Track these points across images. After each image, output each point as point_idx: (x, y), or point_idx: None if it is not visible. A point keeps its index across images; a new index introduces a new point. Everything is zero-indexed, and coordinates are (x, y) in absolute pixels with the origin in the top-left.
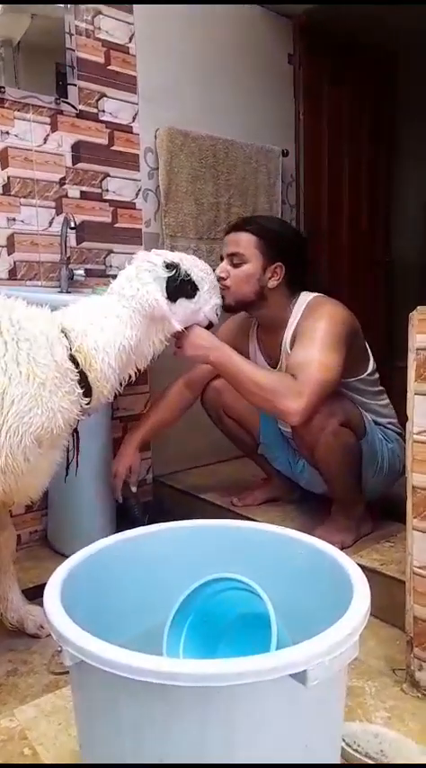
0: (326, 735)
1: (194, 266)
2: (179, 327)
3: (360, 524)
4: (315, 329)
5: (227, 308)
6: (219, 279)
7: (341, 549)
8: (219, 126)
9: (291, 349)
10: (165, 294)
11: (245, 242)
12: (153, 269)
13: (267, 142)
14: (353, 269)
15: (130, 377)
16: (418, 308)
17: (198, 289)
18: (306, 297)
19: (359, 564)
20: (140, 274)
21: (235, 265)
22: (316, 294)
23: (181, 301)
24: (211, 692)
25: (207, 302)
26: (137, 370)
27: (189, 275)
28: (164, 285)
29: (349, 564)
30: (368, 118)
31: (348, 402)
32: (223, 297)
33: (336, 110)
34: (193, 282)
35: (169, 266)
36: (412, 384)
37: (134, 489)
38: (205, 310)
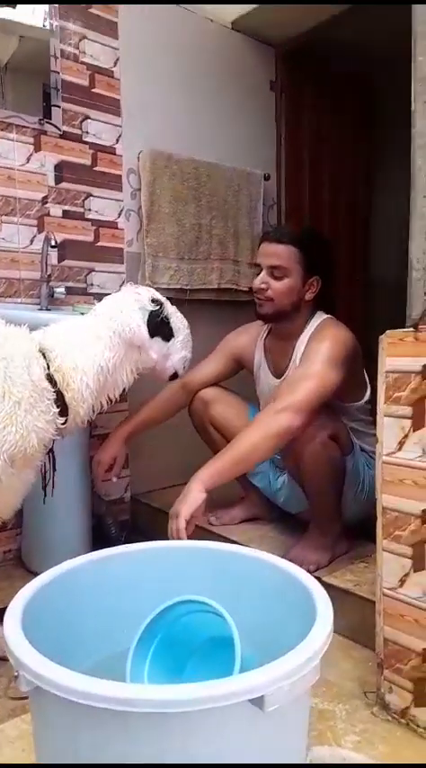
0: (288, 760)
1: (175, 314)
2: (155, 357)
3: (336, 544)
4: (318, 350)
5: (264, 318)
6: (259, 290)
7: (317, 569)
8: (202, 149)
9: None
10: (146, 326)
11: (287, 255)
12: (139, 299)
13: (249, 165)
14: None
15: (102, 405)
16: (387, 331)
17: (173, 336)
18: (320, 316)
19: (332, 584)
20: (126, 300)
21: (277, 278)
22: (328, 316)
23: (157, 340)
24: (169, 718)
25: (178, 351)
26: (109, 399)
27: (168, 319)
28: (147, 318)
29: (314, 587)
30: (349, 143)
31: (338, 418)
32: (261, 306)
33: (317, 135)
34: (171, 328)
35: (154, 301)
36: (381, 406)
37: (114, 480)
38: (174, 359)
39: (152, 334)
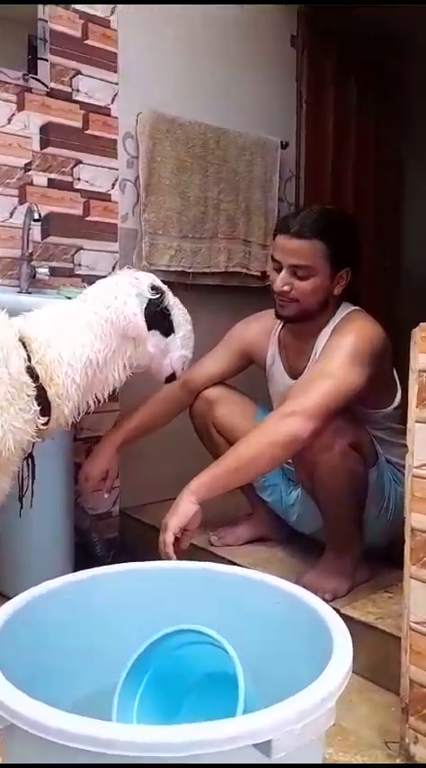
0: None
1: (177, 306)
2: (152, 351)
3: (357, 570)
4: (339, 345)
5: (288, 320)
6: (282, 293)
7: (333, 598)
8: (210, 112)
9: None
10: (143, 316)
11: (312, 252)
12: (136, 284)
13: (264, 132)
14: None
15: (89, 405)
16: (421, 323)
17: (173, 331)
18: (345, 308)
19: (351, 617)
20: (122, 285)
21: (301, 278)
22: (355, 308)
23: (155, 333)
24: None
25: (177, 349)
26: (97, 398)
27: (170, 312)
28: (145, 306)
29: (331, 617)
30: (378, 108)
31: (360, 424)
32: (283, 307)
33: (342, 99)
34: (171, 322)
35: (154, 289)
36: (413, 410)
37: (106, 496)
38: (172, 357)
39: (149, 327)
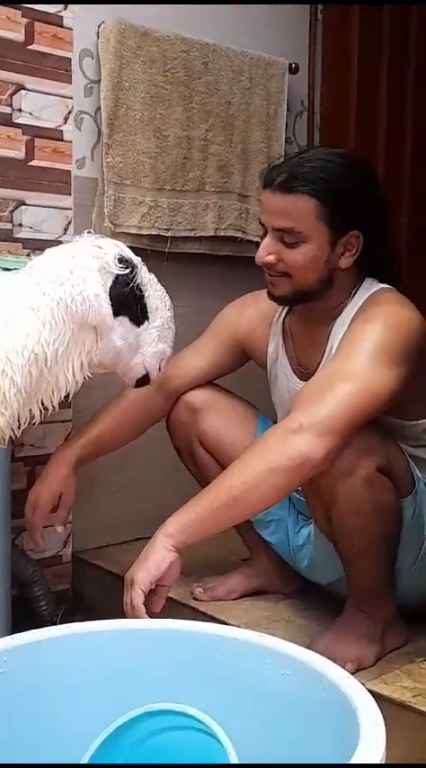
0: None
1: (152, 285)
2: (119, 344)
3: (387, 633)
4: (363, 336)
5: (281, 301)
6: (267, 264)
7: (358, 670)
8: (196, 23)
9: None
10: (108, 297)
11: (300, 210)
12: (99, 254)
13: (267, 51)
14: (407, 244)
15: (34, 415)
16: None
17: (147, 318)
18: (369, 286)
19: (381, 694)
20: (80, 257)
21: (289, 245)
22: (384, 286)
23: (123, 321)
24: None
25: (152, 342)
26: (43, 407)
27: (143, 293)
28: (110, 285)
29: (357, 693)
30: (423, 14)
31: (391, 441)
32: (274, 284)
33: (371, 6)
34: (145, 306)
35: (123, 262)
36: None
37: (59, 529)
38: (146, 353)
39: (116, 312)
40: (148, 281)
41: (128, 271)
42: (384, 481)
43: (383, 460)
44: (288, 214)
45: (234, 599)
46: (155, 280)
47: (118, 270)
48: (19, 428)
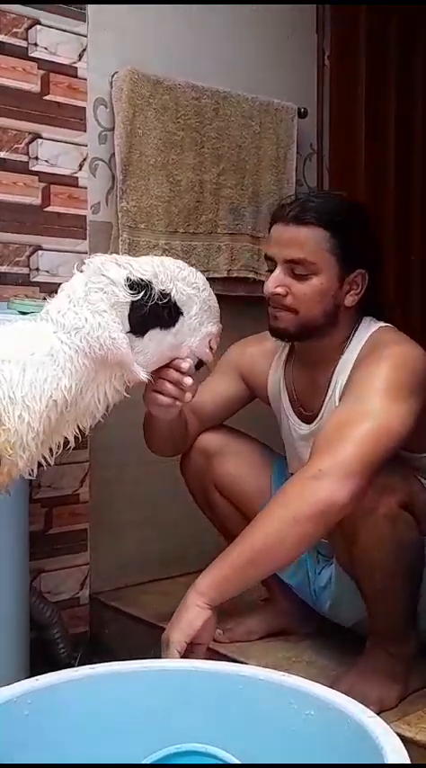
0: None
1: (177, 279)
2: (144, 377)
3: (410, 673)
4: (372, 377)
5: (282, 336)
6: (274, 296)
7: (381, 711)
8: (206, 71)
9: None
10: (128, 326)
11: (313, 241)
12: (109, 289)
13: (276, 97)
14: (406, 281)
15: (68, 441)
16: None
17: (181, 313)
18: (368, 326)
19: (405, 736)
20: (91, 296)
21: (299, 277)
22: (383, 325)
23: (154, 333)
24: None
25: (195, 331)
26: (80, 431)
27: (167, 295)
28: (127, 314)
29: (383, 733)
30: None
31: (414, 478)
32: (277, 318)
33: (379, 48)
34: (175, 305)
35: (134, 286)
36: None
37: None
38: (191, 344)
39: (143, 330)
40: (170, 278)
41: (142, 294)
42: (406, 518)
43: (404, 497)
44: (300, 245)
45: (253, 640)
46: (180, 266)
47: (131, 297)
48: (51, 454)
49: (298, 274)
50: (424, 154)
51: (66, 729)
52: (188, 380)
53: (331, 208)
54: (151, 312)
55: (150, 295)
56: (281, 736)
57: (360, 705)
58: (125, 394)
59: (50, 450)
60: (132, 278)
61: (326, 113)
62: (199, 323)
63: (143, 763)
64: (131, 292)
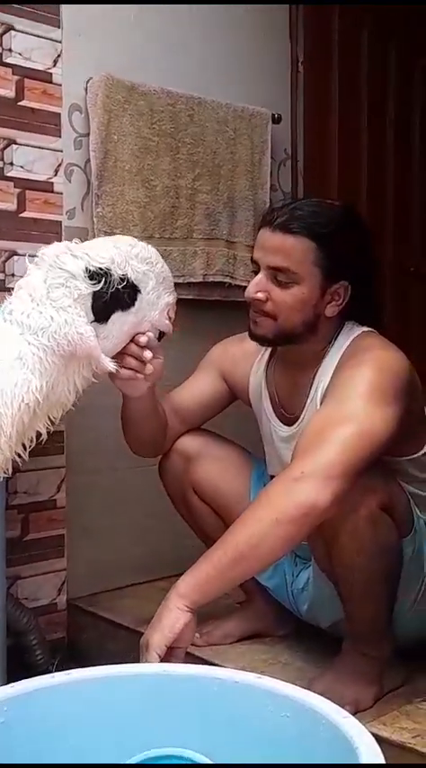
0: None
1: (131, 258)
2: (112, 367)
3: (385, 674)
4: (354, 381)
5: (261, 341)
6: (254, 301)
7: (356, 711)
8: (181, 77)
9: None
10: (92, 316)
11: (298, 251)
12: (70, 283)
13: (251, 102)
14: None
15: (41, 435)
16: None
17: (138, 290)
18: (350, 330)
19: (380, 735)
20: (52, 293)
21: (281, 284)
22: (365, 329)
23: (117, 317)
24: None
25: (153, 305)
26: (50, 422)
27: (125, 277)
28: (90, 305)
29: (358, 733)
30: (403, 65)
31: (393, 481)
32: (257, 324)
33: (352, 54)
34: (132, 284)
35: (94, 276)
36: None
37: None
38: (152, 317)
39: (106, 317)
40: (124, 259)
41: (102, 283)
42: (386, 520)
43: (385, 499)
44: (285, 253)
45: (230, 643)
46: (132, 243)
47: (92, 288)
48: (25, 450)
49: (280, 281)
50: (397, 159)
51: (42, 736)
52: (147, 354)
53: (320, 218)
54: (112, 297)
55: (110, 282)
56: (258, 738)
57: (335, 706)
58: (93, 379)
59: (23, 446)
60: (91, 268)
61: (300, 119)
62: (156, 296)
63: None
64: (92, 283)
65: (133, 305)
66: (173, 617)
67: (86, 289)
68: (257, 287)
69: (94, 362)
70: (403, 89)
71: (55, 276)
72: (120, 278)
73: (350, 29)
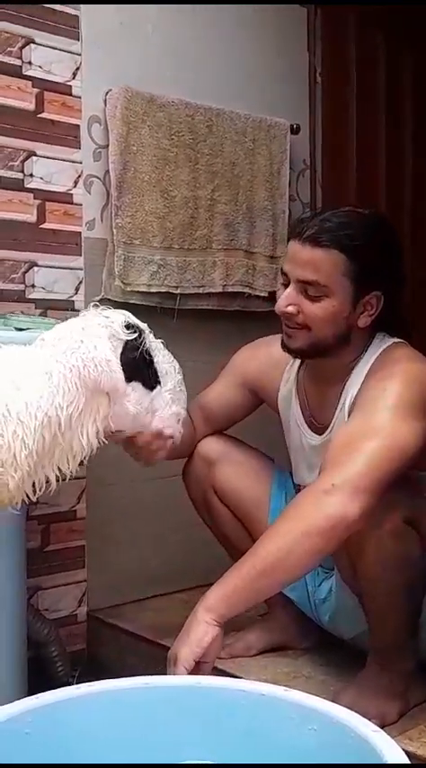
0: None
1: (160, 350)
2: (132, 411)
3: (410, 688)
4: (383, 393)
5: (296, 354)
6: (286, 315)
7: (382, 726)
8: (200, 88)
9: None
10: (119, 363)
11: (328, 265)
12: (106, 323)
13: (269, 113)
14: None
15: (50, 480)
16: None
17: (159, 383)
18: (381, 341)
19: (406, 750)
20: (90, 327)
21: (312, 298)
22: (396, 340)
23: (137, 386)
24: None
25: (166, 406)
26: (59, 472)
27: (152, 358)
28: (120, 351)
29: (389, 749)
30: (416, 74)
31: (418, 494)
32: (291, 337)
33: (369, 64)
34: (155, 371)
35: (130, 327)
36: None
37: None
38: (163, 416)
39: (129, 378)
40: (156, 347)
41: (136, 335)
42: (410, 533)
43: (410, 513)
44: (315, 267)
45: (252, 655)
46: (162, 346)
47: (126, 336)
48: (34, 493)
49: (311, 295)
50: (415, 169)
51: (67, 747)
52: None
53: (349, 229)
54: (139, 361)
55: (141, 341)
56: (285, 750)
57: (364, 719)
58: (103, 439)
59: (33, 485)
60: (129, 321)
61: (319, 129)
62: (172, 399)
63: None
64: (127, 332)
65: (152, 390)
66: (201, 631)
67: (122, 333)
68: (287, 300)
69: (116, 402)
70: (420, 99)
71: (93, 316)
72: (148, 352)
73: (367, 39)
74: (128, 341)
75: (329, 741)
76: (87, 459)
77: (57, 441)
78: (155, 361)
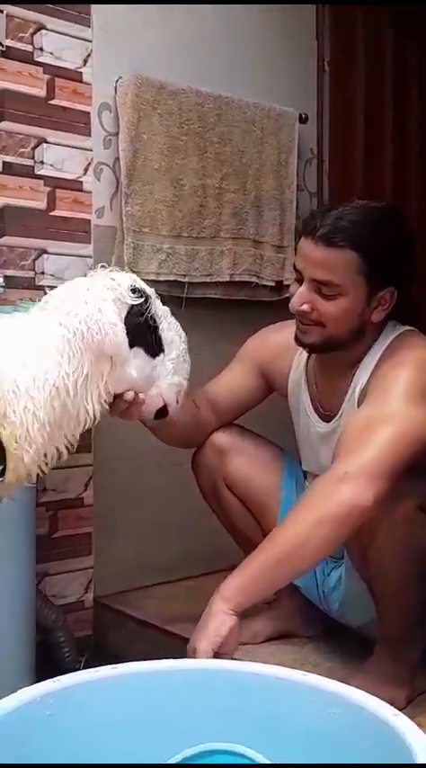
0: None
1: (166, 318)
2: (135, 376)
3: (416, 675)
4: (395, 380)
5: (310, 349)
6: (301, 314)
7: None
8: (209, 77)
9: (359, 405)
10: (124, 327)
11: (342, 265)
12: (115, 287)
13: (278, 102)
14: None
15: (59, 451)
16: None
17: (162, 350)
18: (392, 329)
19: None
20: (94, 288)
21: (326, 297)
22: (407, 328)
23: (139, 352)
24: None
25: (168, 374)
26: (69, 443)
27: (157, 324)
28: (125, 314)
29: (410, 730)
30: (423, 64)
31: None
32: (305, 332)
33: (377, 54)
34: (160, 338)
35: (136, 291)
36: None
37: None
38: (161, 385)
39: (131, 343)
40: (162, 314)
41: (142, 300)
42: (423, 521)
43: (422, 500)
44: (328, 267)
45: (259, 642)
46: (169, 313)
47: (132, 300)
48: (46, 465)
49: (325, 294)
50: (421, 159)
51: (87, 729)
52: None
53: (363, 228)
54: (143, 326)
55: (147, 306)
56: (305, 734)
57: (384, 703)
58: (106, 405)
59: (57, 448)
60: (135, 285)
61: (326, 119)
62: (174, 369)
63: (170, 762)
64: (133, 296)
65: (154, 358)
66: (218, 621)
67: (127, 298)
68: (301, 299)
69: (119, 363)
70: None
71: (100, 277)
72: (153, 318)
73: (375, 29)
74: (133, 305)
75: (350, 725)
76: (93, 428)
77: (67, 408)
78: (160, 328)
